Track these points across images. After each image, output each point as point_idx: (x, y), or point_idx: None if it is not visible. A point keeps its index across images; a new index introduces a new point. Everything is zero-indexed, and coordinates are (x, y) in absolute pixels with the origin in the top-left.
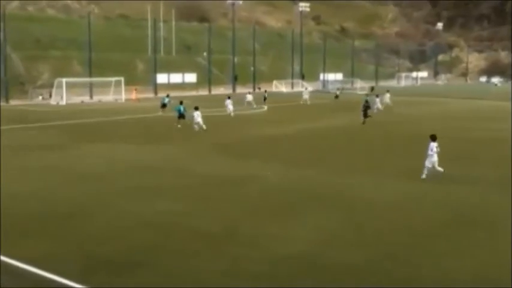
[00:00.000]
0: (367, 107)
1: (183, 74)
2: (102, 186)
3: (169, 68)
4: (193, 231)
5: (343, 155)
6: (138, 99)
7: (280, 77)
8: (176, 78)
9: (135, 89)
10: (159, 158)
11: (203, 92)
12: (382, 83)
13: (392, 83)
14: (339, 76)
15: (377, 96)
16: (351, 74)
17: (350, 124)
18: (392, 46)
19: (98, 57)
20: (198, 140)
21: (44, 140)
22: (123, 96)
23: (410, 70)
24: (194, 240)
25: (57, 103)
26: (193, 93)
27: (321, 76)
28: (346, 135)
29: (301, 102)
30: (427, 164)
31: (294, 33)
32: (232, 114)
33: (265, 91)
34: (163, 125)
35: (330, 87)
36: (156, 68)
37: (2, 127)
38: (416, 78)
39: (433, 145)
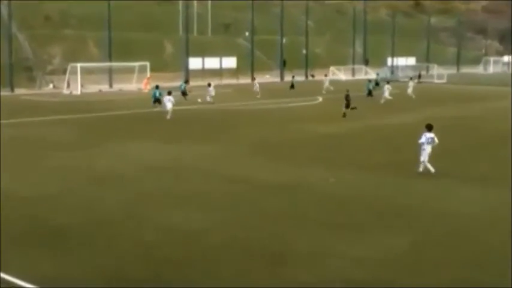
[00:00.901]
0: (347, 96)
1: (221, 58)
2: (128, 192)
3: (204, 51)
4: (245, 250)
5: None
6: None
7: (338, 62)
8: (212, 63)
9: (148, 78)
10: (194, 158)
11: (244, 80)
12: (465, 69)
13: (477, 69)
14: (411, 61)
15: (388, 82)
16: (426, 58)
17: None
18: (478, 24)
19: (118, 37)
20: (236, 138)
21: (54, 136)
22: (147, 84)
23: (501, 54)
24: (248, 261)
25: (71, 92)
26: (232, 81)
27: (389, 61)
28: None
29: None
30: (424, 157)
31: (355, 9)
32: (210, 99)
33: (293, 77)
34: (194, 119)
35: (400, 74)
36: (188, 51)
37: (5, 120)
38: (508, 64)
39: (428, 136)
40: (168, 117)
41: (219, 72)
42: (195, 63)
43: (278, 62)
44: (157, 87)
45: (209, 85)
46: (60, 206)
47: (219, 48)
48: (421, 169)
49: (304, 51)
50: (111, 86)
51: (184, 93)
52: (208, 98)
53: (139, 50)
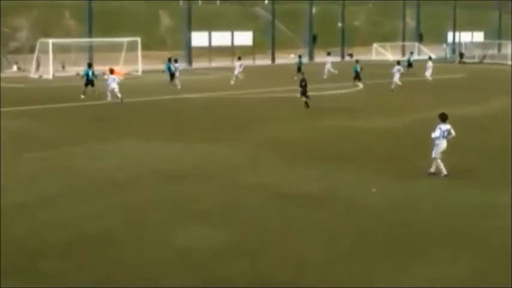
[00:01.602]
0: (302, 80)
1: (232, 32)
2: (127, 201)
3: (211, 24)
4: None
5: (496, 162)
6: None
7: (384, 37)
8: (221, 38)
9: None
10: (201, 161)
11: (263, 61)
12: None
13: None
14: (479, 36)
15: (398, 63)
16: (498, 33)
17: (497, 114)
18: None
19: (101, 7)
20: (251, 136)
21: (21, 133)
22: (140, 66)
23: None
24: None
25: (41, 76)
26: (248, 62)
27: (449, 36)
28: (488, 130)
29: (429, 78)
30: (436, 153)
31: None
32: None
33: (300, 56)
34: (198, 111)
35: (465, 53)
36: (190, 24)
37: None
38: None
39: (444, 128)
40: (109, 99)
41: (230, 51)
42: (199, 39)
43: (306, 38)
44: (89, 65)
45: (239, 58)
46: (32, 223)
47: (231, 19)
48: (432, 169)
49: (340, 24)
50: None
51: (172, 76)
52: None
53: (128, 22)
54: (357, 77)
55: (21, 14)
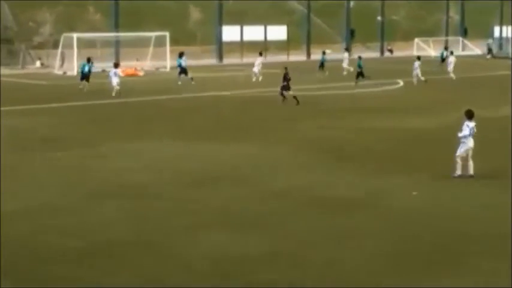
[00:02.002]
0: (286, 74)
1: (266, 26)
2: (151, 205)
3: (243, 18)
4: None
5: None
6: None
7: (425, 32)
8: (254, 33)
9: (137, 59)
10: (229, 162)
11: (298, 57)
12: None
13: None
14: None
15: (418, 58)
16: None
17: None
18: None
19: (128, 1)
20: (285, 136)
21: (44, 131)
22: (168, 61)
23: None
24: None
25: (65, 73)
26: (281, 57)
27: (496, 31)
28: None
29: (451, 73)
30: (460, 152)
31: None
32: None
33: (324, 52)
34: (225, 109)
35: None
36: (221, 18)
37: None
38: None
39: (471, 125)
40: (114, 94)
41: (263, 46)
42: (230, 33)
43: (344, 33)
44: (88, 60)
45: (260, 54)
46: (53, 227)
47: (264, 13)
48: (459, 171)
49: (379, 18)
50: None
51: (183, 71)
52: (254, 78)
53: (156, 16)
54: (360, 74)
55: (45, 8)
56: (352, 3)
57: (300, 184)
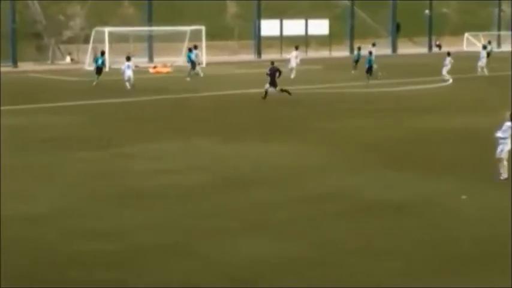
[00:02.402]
0: (271, 68)
1: (306, 20)
2: (188, 209)
3: (283, 11)
4: None
5: None
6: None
7: (476, 26)
8: (294, 27)
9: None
10: (267, 163)
11: (340, 52)
12: None
13: None
14: None
15: (448, 54)
16: None
17: None
18: None
19: None
20: (319, 134)
21: (73, 130)
22: (204, 56)
23: None
24: None
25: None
26: (323, 53)
27: None
28: None
29: (484, 69)
30: (501, 155)
31: None
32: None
33: (359, 48)
34: (259, 108)
35: None
36: (260, 11)
37: (4, 107)
38: None
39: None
40: (129, 87)
41: (303, 41)
42: (269, 27)
43: (389, 27)
44: (102, 53)
45: (296, 48)
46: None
47: (305, 6)
48: (505, 174)
49: (427, 12)
50: (151, 59)
51: (193, 65)
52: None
53: (191, 9)
54: (369, 70)
55: (76, 1)
56: None
57: (340, 187)
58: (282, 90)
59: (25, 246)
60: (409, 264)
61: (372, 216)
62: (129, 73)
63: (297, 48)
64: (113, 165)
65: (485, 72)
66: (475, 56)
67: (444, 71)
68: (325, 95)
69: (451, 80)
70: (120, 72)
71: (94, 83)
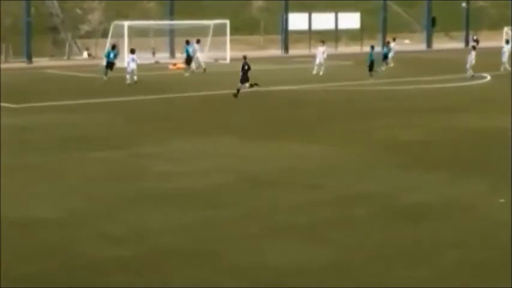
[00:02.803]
0: (244, 65)
1: (336, 13)
2: (211, 213)
3: (312, 4)
4: None
5: None
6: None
7: None
8: (323, 21)
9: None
10: (294, 164)
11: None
12: None
13: None
14: None
15: (474, 48)
16: None
17: None
18: None
19: None
20: (348, 134)
21: (92, 129)
22: (228, 52)
23: None
24: None
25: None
26: (354, 48)
27: None
28: None
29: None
30: None
31: None
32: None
33: (388, 42)
34: (284, 106)
35: None
36: (287, 4)
37: (19, 105)
38: None
39: None
40: (129, 81)
41: (333, 35)
42: (297, 21)
43: (424, 21)
44: (113, 47)
45: (323, 43)
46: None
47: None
48: None
49: (463, 5)
50: (173, 54)
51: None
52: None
53: (215, 2)
54: (371, 67)
55: None
56: None
57: (370, 189)
58: (252, 85)
59: (39, 250)
60: (437, 270)
61: (399, 219)
62: (132, 66)
63: (323, 43)
64: (131, 166)
65: (508, 67)
66: None
67: (468, 65)
68: (353, 93)
69: (489, 77)
70: (140, 68)
71: (105, 78)
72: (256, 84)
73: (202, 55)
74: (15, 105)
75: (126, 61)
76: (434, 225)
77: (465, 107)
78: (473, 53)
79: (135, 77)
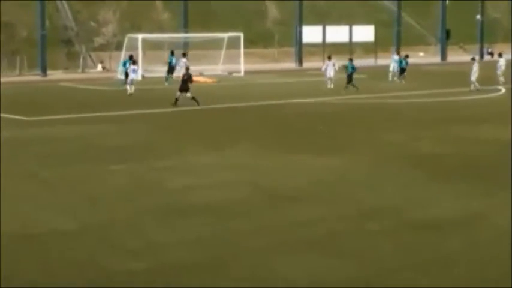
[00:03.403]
0: (185, 75)
1: (351, 26)
2: (227, 227)
3: (326, 16)
4: None
5: None
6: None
7: None
8: (337, 33)
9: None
10: (313, 177)
11: (387, 60)
12: None
13: None
14: None
15: (500, 55)
16: None
17: None
18: None
19: None
20: (372, 146)
21: (107, 141)
22: (242, 65)
23: None
24: None
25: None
26: (368, 61)
27: None
28: None
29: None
30: None
31: None
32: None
33: (407, 56)
34: (303, 119)
35: None
36: (301, 17)
37: (32, 117)
38: None
39: None
40: (131, 91)
41: (347, 48)
42: (311, 34)
43: (438, 33)
44: (131, 58)
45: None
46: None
47: (349, 12)
48: None
49: (478, 17)
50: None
51: (171, 70)
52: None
53: (229, 15)
54: (350, 79)
55: (107, 6)
56: (447, 0)
57: (390, 203)
58: (193, 98)
59: (55, 263)
60: (457, 283)
61: (417, 232)
62: (133, 76)
63: (330, 58)
64: (147, 179)
65: (503, 79)
66: None
67: (473, 77)
68: (368, 105)
69: (503, 90)
70: (154, 81)
71: (129, 92)
72: (196, 101)
73: (212, 68)
74: (29, 117)
75: (129, 70)
76: (452, 238)
77: (482, 119)
78: (474, 66)
79: (133, 88)
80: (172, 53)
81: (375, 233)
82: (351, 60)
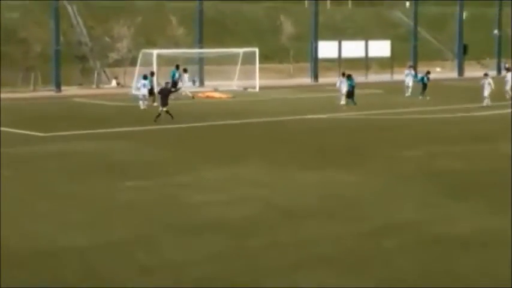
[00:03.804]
0: (162, 90)
1: (367, 41)
2: (239, 244)
3: (342, 31)
4: None
5: None
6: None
7: None
8: (354, 49)
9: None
10: (327, 193)
11: (403, 76)
12: None
13: None
14: None
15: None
16: None
17: None
18: None
19: (213, 11)
20: (389, 162)
21: (117, 158)
22: (257, 81)
23: None
24: None
25: (144, 94)
26: (384, 76)
27: None
28: None
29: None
30: None
31: None
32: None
33: (428, 73)
34: (319, 134)
35: None
36: (317, 32)
37: (48, 133)
38: None
39: None
40: (144, 106)
41: (363, 63)
42: (327, 49)
43: (455, 48)
44: (152, 74)
45: (343, 75)
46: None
47: (365, 27)
48: None
49: (496, 32)
50: (202, 82)
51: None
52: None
53: (245, 29)
54: (351, 95)
55: (122, 21)
56: (464, 15)
57: (409, 219)
58: (168, 112)
59: (69, 279)
60: None
61: (441, 252)
62: (144, 91)
63: (344, 75)
64: (162, 195)
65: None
66: None
67: (486, 93)
68: (385, 121)
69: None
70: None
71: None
72: (170, 114)
73: (227, 83)
74: (43, 133)
75: (138, 86)
76: (470, 257)
77: (501, 135)
78: (486, 81)
79: (146, 103)
80: (177, 67)
81: (394, 249)
82: (349, 76)
